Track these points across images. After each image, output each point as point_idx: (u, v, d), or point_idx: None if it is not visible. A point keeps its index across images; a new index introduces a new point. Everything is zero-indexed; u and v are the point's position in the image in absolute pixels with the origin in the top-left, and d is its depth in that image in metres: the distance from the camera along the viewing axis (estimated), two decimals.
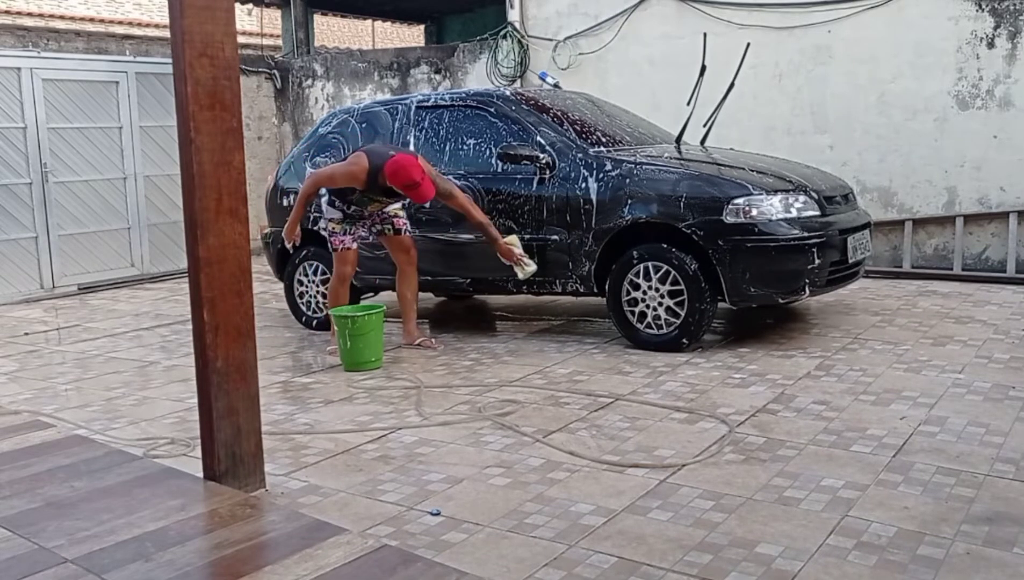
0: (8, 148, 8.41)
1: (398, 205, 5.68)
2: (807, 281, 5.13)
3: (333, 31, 20.68)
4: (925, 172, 7.53)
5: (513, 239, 5.40)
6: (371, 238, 5.77)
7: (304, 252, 6.53)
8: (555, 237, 5.53)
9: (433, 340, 5.78)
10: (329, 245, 5.69)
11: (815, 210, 5.25)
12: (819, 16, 7.83)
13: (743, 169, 5.40)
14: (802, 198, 5.23)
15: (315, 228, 6.40)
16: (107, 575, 2.44)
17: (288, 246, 5.86)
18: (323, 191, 5.60)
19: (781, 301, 5.30)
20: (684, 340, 5.22)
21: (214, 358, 3.12)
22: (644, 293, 5.29)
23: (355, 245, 5.67)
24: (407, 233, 5.72)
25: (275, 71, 11.59)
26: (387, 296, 7.07)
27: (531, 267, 5.37)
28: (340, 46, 19.07)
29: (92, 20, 15.75)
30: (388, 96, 10.37)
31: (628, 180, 5.33)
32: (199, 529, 2.77)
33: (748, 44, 6.71)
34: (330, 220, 5.61)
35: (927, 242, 7.64)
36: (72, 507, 2.92)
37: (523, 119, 5.78)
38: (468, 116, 5.99)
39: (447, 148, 6.01)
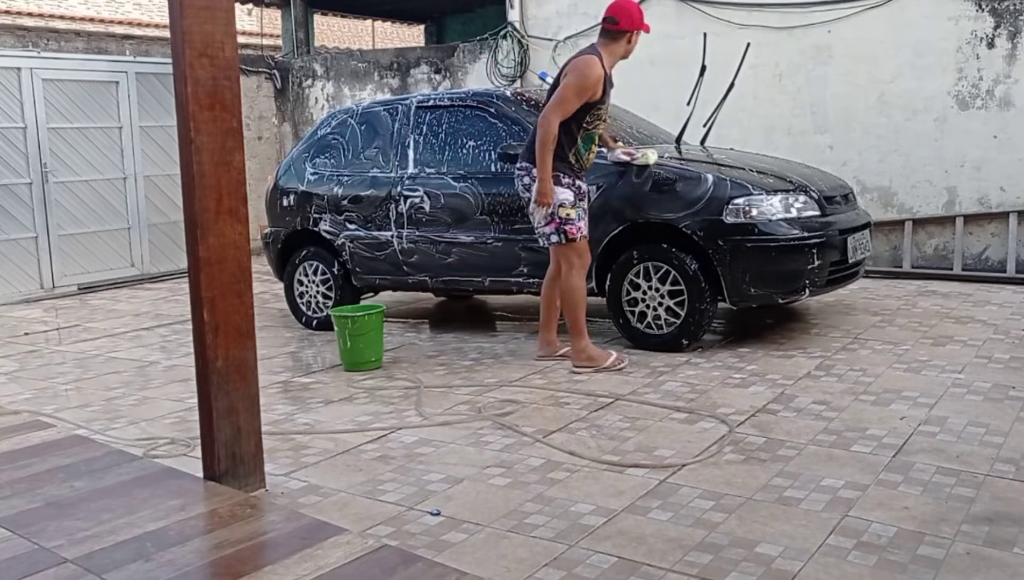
0: (8, 148, 8.42)
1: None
2: (807, 281, 5.13)
3: (333, 31, 20.68)
4: (925, 172, 7.53)
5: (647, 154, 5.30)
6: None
7: (304, 252, 6.53)
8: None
9: (568, 349, 5.12)
10: (561, 237, 4.88)
11: (815, 210, 5.25)
12: (819, 16, 7.83)
13: (743, 169, 5.40)
14: (802, 198, 5.23)
15: (315, 228, 6.42)
16: (107, 575, 2.43)
17: (545, 210, 4.86)
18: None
19: (781, 301, 5.30)
20: (684, 340, 5.22)
21: (214, 358, 3.13)
22: (644, 293, 5.29)
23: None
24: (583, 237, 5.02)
25: (275, 71, 11.59)
26: (387, 296, 7.08)
27: (653, 156, 5.25)
28: (340, 46, 19.07)
29: (92, 20, 15.75)
30: (388, 96, 10.37)
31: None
32: (199, 529, 2.77)
33: (748, 44, 6.71)
34: (561, 205, 4.85)
35: (927, 242, 7.64)
36: (72, 507, 2.92)
37: (523, 119, 5.77)
38: (468, 116, 5.98)
39: (447, 148, 6.00)
